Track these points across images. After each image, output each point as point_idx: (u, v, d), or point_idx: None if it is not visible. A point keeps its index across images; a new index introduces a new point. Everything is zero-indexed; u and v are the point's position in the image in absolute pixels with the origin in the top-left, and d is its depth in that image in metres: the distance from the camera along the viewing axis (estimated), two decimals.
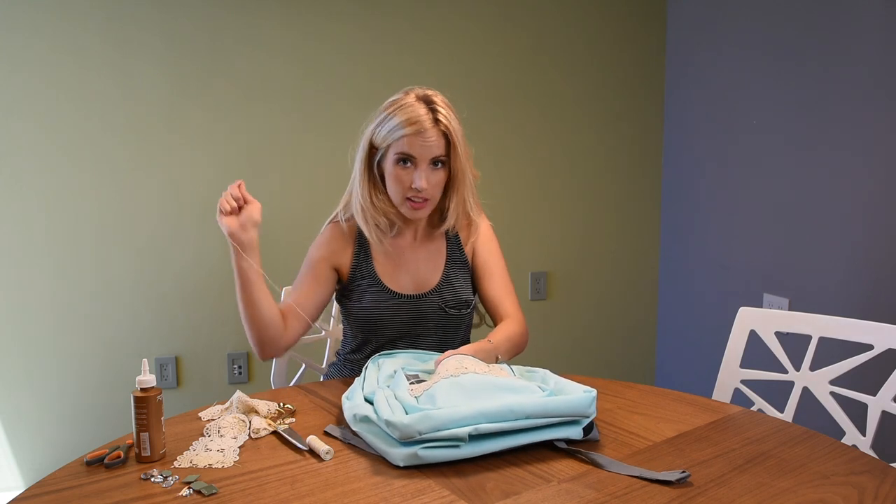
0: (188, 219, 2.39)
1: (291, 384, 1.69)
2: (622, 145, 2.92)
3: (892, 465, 1.06)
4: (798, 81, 2.36)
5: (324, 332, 1.86)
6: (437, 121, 1.42)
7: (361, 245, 1.54)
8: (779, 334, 1.53)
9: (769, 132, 2.48)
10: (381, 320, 1.51)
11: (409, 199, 1.45)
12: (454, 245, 1.58)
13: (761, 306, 2.52)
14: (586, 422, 1.13)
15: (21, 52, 2.18)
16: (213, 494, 0.98)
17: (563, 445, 1.10)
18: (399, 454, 1.05)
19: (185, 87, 2.35)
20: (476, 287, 1.60)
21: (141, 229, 2.35)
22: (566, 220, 2.87)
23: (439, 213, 1.55)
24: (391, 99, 1.46)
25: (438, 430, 1.04)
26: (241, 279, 1.37)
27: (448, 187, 1.50)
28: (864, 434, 1.38)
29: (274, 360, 1.81)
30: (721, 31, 2.65)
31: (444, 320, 1.53)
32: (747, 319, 1.56)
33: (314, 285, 1.51)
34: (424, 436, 1.04)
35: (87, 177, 2.29)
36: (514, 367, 1.36)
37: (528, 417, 1.08)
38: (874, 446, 1.37)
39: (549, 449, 1.11)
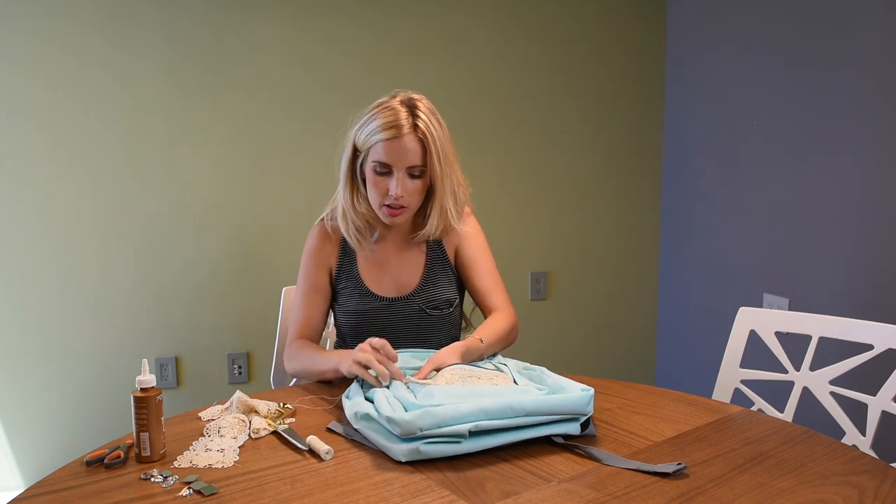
0: (188, 219, 2.39)
1: (291, 384, 1.68)
2: (622, 145, 2.92)
3: (892, 465, 1.06)
4: (798, 82, 2.36)
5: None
6: (415, 126, 1.41)
7: (346, 247, 1.55)
8: (779, 334, 1.53)
9: (769, 132, 2.48)
10: (364, 323, 1.51)
11: (386, 205, 1.45)
12: (435, 246, 1.57)
13: (761, 306, 2.52)
14: (584, 419, 1.14)
15: (21, 50, 2.18)
16: (213, 494, 0.98)
17: (561, 441, 1.12)
18: (400, 449, 1.06)
19: (186, 87, 2.35)
20: (464, 282, 1.60)
21: (141, 229, 2.35)
22: (566, 220, 2.87)
23: (420, 220, 1.54)
24: (377, 101, 1.46)
25: (439, 427, 1.06)
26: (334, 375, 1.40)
27: (427, 195, 1.49)
28: (864, 434, 1.38)
29: (274, 360, 1.82)
30: (721, 31, 2.65)
31: (425, 321, 1.53)
32: (747, 319, 1.56)
33: (318, 298, 1.54)
34: (426, 432, 1.06)
35: (87, 176, 2.29)
36: (511, 360, 1.37)
37: (527, 415, 1.10)
38: (874, 446, 1.37)
39: (548, 444, 1.12)
